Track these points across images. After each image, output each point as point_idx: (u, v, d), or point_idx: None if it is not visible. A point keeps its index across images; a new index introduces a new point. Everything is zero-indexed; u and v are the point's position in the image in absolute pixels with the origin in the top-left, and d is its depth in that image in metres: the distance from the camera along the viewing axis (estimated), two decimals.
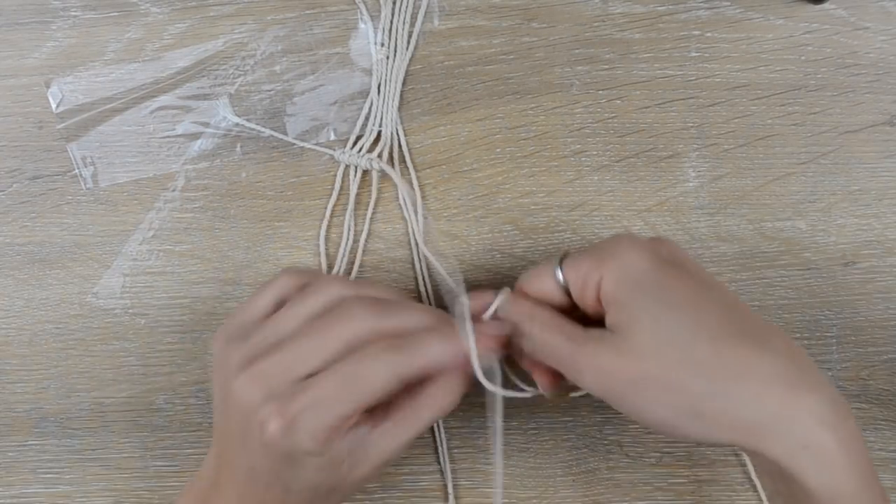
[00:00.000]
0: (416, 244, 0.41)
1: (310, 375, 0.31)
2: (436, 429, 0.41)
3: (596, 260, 0.32)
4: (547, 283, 0.33)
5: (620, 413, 0.41)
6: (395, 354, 0.31)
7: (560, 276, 0.33)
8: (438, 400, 0.33)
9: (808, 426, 0.28)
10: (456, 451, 0.42)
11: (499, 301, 0.34)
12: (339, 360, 0.31)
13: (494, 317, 0.34)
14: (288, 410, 0.31)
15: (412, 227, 0.41)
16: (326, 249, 0.42)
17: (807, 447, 0.28)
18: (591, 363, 0.30)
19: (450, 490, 0.41)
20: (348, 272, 0.42)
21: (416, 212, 0.41)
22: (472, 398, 0.42)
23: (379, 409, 0.32)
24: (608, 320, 0.31)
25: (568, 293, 0.33)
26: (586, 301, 0.32)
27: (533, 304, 0.33)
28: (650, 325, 0.30)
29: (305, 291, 0.34)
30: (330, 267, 0.42)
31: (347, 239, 0.41)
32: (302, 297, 0.33)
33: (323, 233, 0.42)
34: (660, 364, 0.29)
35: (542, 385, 0.35)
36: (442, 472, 0.42)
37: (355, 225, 0.42)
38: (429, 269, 0.42)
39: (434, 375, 0.33)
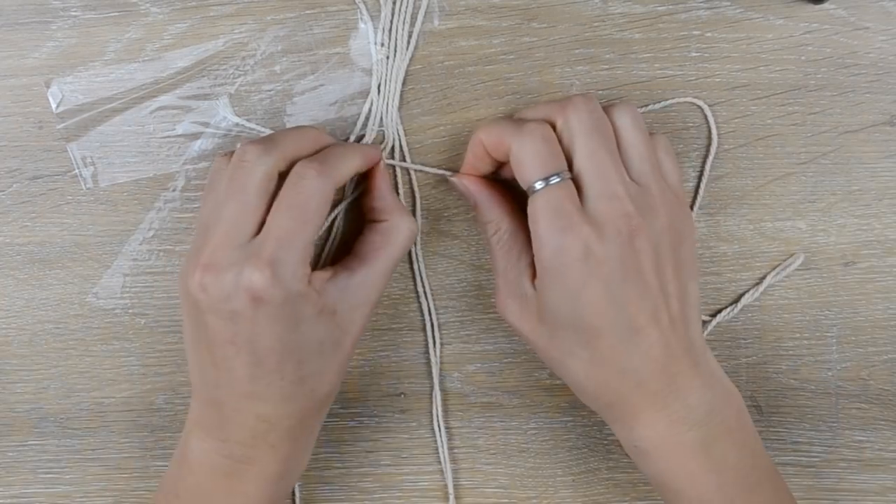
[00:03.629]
0: (416, 244, 0.42)
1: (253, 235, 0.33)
2: (436, 429, 0.41)
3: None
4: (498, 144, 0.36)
5: None
6: (321, 167, 0.34)
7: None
8: (395, 232, 0.37)
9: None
10: (456, 451, 0.42)
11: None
12: (277, 199, 0.33)
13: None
14: (261, 259, 0.32)
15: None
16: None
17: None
18: (509, 308, 0.37)
19: (450, 490, 0.41)
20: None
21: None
22: (474, 398, 0.42)
23: (350, 259, 0.36)
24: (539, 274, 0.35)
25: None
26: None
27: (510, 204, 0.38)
28: (566, 306, 0.34)
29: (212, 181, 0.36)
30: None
31: (335, 232, 0.42)
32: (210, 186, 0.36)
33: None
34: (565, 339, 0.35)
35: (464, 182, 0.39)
36: (442, 472, 0.42)
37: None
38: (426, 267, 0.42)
39: (384, 214, 0.37)
